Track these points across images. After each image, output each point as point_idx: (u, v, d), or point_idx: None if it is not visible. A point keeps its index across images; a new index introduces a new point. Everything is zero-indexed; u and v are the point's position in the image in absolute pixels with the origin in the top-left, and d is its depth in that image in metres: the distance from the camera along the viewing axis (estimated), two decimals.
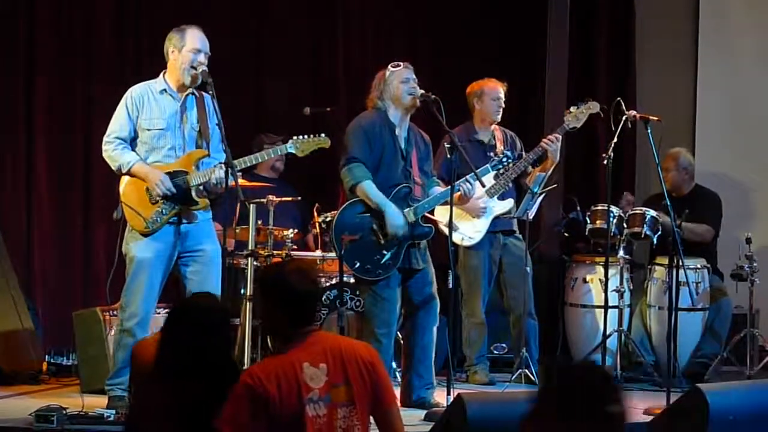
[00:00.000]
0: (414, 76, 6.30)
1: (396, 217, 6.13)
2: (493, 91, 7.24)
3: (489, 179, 7.02)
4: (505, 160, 6.55)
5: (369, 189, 6.13)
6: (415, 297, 6.33)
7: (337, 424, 3.68)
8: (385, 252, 6.16)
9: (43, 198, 7.57)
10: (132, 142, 5.97)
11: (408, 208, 6.23)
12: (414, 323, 6.37)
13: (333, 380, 3.69)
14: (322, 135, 6.11)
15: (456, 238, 6.91)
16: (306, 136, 6.07)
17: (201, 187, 5.93)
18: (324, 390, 3.68)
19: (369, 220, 6.17)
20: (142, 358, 3.88)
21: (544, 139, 6.99)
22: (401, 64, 6.31)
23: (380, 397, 3.81)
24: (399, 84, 6.26)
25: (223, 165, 5.71)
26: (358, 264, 6.16)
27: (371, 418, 3.85)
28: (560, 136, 7.01)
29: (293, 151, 6.07)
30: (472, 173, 6.29)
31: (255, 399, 3.58)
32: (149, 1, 7.88)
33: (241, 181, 5.95)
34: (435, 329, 6.40)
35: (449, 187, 6.17)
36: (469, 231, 7.07)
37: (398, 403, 3.96)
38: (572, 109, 7.07)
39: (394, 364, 6.89)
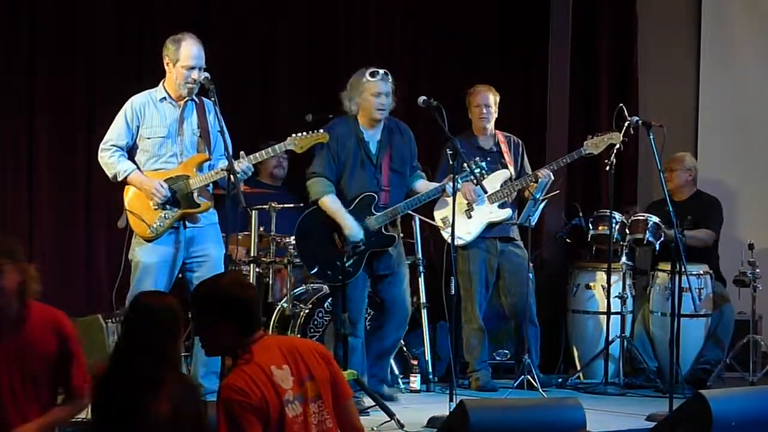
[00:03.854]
0: (389, 89, 6.27)
1: (352, 230, 6.17)
2: (477, 98, 7.16)
3: (494, 185, 6.98)
4: (477, 171, 6.28)
5: (329, 203, 6.21)
6: (382, 299, 6.39)
7: (311, 420, 3.69)
8: (345, 259, 6.17)
9: (44, 199, 7.54)
10: (131, 150, 5.99)
11: (370, 217, 6.25)
12: (379, 325, 6.43)
13: (299, 378, 3.70)
14: (320, 130, 6.11)
15: (445, 235, 6.81)
16: (304, 133, 6.07)
17: (208, 188, 5.96)
18: (295, 389, 3.68)
19: (330, 228, 6.21)
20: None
21: (541, 172, 6.98)
22: (380, 73, 6.26)
23: (338, 390, 3.82)
24: (370, 97, 6.25)
25: (226, 171, 5.71)
26: (317, 269, 6.25)
27: None
28: (551, 173, 6.98)
29: (291, 148, 6.08)
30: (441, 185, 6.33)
31: (250, 409, 3.56)
32: (151, 3, 7.87)
33: (242, 187, 5.95)
34: (400, 334, 6.46)
35: (411, 198, 6.27)
36: (459, 231, 6.99)
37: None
38: (594, 137, 7.08)
39: (396, 370, 6.89)
